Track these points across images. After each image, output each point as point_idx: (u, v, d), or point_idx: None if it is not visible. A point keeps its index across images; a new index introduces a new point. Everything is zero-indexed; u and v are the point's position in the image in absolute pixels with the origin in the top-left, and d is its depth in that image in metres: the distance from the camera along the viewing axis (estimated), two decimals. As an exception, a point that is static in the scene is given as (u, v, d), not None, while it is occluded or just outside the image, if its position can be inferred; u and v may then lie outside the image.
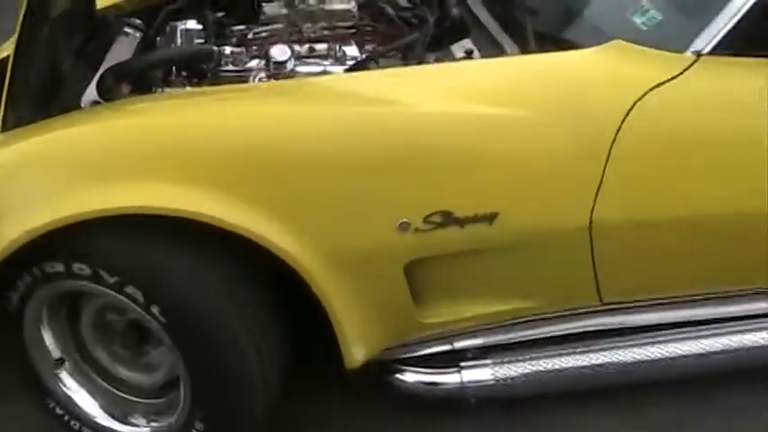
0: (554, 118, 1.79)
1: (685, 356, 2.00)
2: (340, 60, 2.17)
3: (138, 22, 2.34)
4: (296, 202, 1.71)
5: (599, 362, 2.00)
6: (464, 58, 2.03)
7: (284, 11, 2.32)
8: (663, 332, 2.02)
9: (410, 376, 1.99)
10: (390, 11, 2.34)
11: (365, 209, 1.74)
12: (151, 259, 1.71)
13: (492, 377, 1.97)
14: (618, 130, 1.78)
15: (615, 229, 1.83)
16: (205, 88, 2.08)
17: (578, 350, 2.01)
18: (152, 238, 1.70)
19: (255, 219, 1.66)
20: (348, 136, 1.75)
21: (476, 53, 2.06)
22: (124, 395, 2.04)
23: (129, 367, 2.03)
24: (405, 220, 1.73)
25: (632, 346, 2.01)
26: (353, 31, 2.29)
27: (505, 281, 1.92)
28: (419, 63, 2.04)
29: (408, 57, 2.08)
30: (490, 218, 1.77)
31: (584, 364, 2.00)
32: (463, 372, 1.97)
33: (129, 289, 1.72)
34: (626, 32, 1.88)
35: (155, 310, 1.73)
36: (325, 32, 2.29)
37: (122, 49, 2.25)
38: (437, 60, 2.06)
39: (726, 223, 1.88)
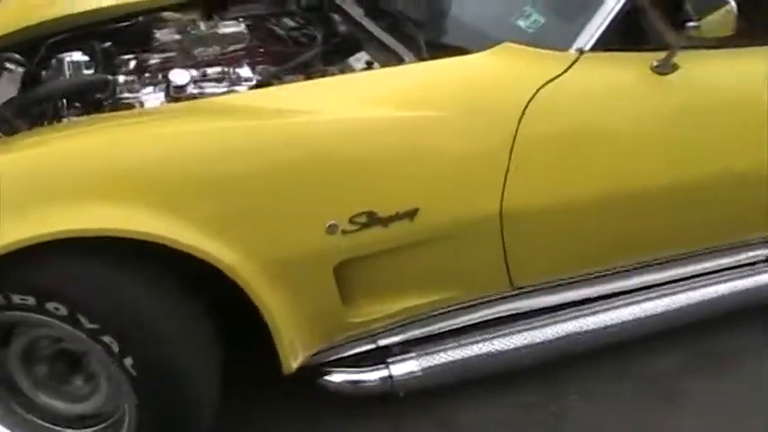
0: (460, 117, 1.92)
1: (594, 329, 2.18)
2: (236, 82, 2.21)
3: (17, 57, 2.33)
4: (228, 215, 1.75)
5: (517, 344, 2.13)
6: (365, 69, 2.13)
7: (177, 36, 2.36)
8: (573, 309, 2.19)
9: (339, 376, 2.05)
10: (280, 31, 2.43)
11: (294, 215, 1.80)
12: (92, 283, 1.71)
13: (419, 368, 2.06)
14: (518, 124, 1.93)
15: (523, 215, 1.97)
16: (120, 113, 2.07)
17: (497, 335, 2.13)
18: (95, 261, 1.70)
19: (192, 235, 1.69)
20: (271, 147, 1.81)
21: (375, 64, 2.16)
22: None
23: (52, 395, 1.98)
24: (332, 222, 1.80)
25: (545, 325, 2.16)
26: (246, 52, 2.35)
27: (426, 274, 2.02)
28: (323, 76, 2.13)
29: (310, 72, 2.16)
30: (411, 214, 1.87)
31: (503, 347, 2.13)
32: (391, 366, 2.05)
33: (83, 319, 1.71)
34: (513, 36, 2.05)
35: (106, 338, 1.72)
36: (216, 56, 2.33)
37: (5, 85, 2.23)
38: (340, 72, 2.15)
39: (619, 201, 2.06)
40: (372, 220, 1.84)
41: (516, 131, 1.93)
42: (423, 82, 2.00)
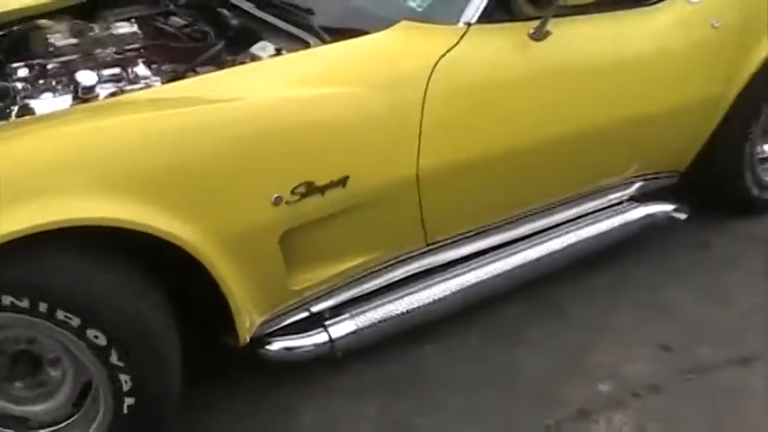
0: (373, 90, 2.10)
1: (502, 273, 2.44)
2: (146, 78, 2.27)
3: None
4: (185, 196, 1.85)
5: (436, 295, 2.35)
6: (275, 56, 2.27)
7: (73, 40, 2.39)
8: (479, 258, 2.44)
9: (280, 344, 2.18)
10: (172, 29, 2.51)
11: (243, 191, 1.93)
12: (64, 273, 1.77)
13: (355, 327, 2.23)
14: (424, 93, 2.14)
15: (436, 175, 2.19)
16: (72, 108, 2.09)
17: (417, 289, 2.34)
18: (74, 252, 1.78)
19: (158, 217, 1.79)
20: (210, 130, 1.92)
21: (283, 51, 2.29)
22: None
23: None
24: (277, 195, 1.95)
25: (457, 275, 2.39)
26: (146, 51, 2.42)
27: (355, 239, 2.19)
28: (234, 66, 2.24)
29: (222, 63, 2.27)
30: (343, 182, 2.04)
31: (424, 300, 2.33)
32: (330, 329, 2.21)
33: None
34: (407, 15, 2.25)
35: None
36: (117, 56, 2.39)
37: None
38: (252, 61, 2.27)
39: (513, 155, 2.32)
40: (310, 189, 1.99)
41: (424, 99, 2.14)
42: (334, 61, 2.17)
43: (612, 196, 2.72)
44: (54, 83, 2.27)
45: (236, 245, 1.93)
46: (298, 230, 2.05)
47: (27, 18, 2.62)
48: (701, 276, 2.82)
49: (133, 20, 2.51)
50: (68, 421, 1.96)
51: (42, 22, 2.62)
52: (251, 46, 2.34)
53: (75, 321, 1.77)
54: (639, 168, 2.73)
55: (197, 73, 2.22)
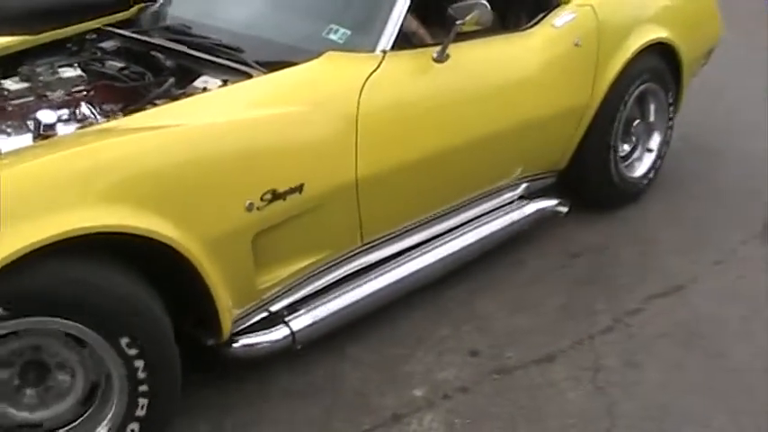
0: (315, 108, 2.46)
1: (427, 266, 2.86)
2: (106, 114, 2.54)
3: None
4: (177, 205, 2.13)
5: (374, 288, 2.72)
6: (223, 86, 2.56)
7: (26, 84, 2.59)
8: (405, 255, 2.83)
9: (246, 340, 2.45)
10: (111, 71, 2.75)
11: (223, 198, 2.23)
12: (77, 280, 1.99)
13: (313, 320, 2.54)
14: (357, 110, 2.51)
15: (371, 180, 2.56)
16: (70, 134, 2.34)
17: (357, 284, 2.69)
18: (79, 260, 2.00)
19: (157, 224, 2.06)
20: (196, 148, 2.21)
21: (229, 82, 2.58)
22: None
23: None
24: (249, 201, 2.26)
25: (389, 270, 2.78)
26: (96, 91, 2.66)
27: (308, 240, 2.51)
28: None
29: (175, 96, 2.54)
30: (299, 188, 2.37)
31: (365, 293, 2.69)
32: (290, 323, 2.51)
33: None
34: (331, 47, 2.63)
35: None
36: (68, 97, 2.62)
37: None
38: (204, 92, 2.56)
39: (432, 158, 2.74)
40: (275, 196, 2.31)
41: (357, 116, 2.51)
42: (279, 86, 2.51)
43: (506, 196, 3.18)
44: (15, 123, 2.48)
45: (219, 247, 2.20)
46: (264, 234, 2.35)
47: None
48: (514, 290, 3.13)
49: (76, 64, 2.74)
50: (81, 419, 2.15)
51: None
52: (192, 82, 2.63)
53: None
54: (526, 170, 3.21)
55: (155, 105, 2.49)
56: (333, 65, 2.57)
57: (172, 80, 2.58)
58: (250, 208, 2.26)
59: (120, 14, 3.10)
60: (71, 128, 2.46)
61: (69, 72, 2.68)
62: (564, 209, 3.32)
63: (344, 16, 2.76)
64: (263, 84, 2.51)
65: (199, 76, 2.65)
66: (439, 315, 2.95)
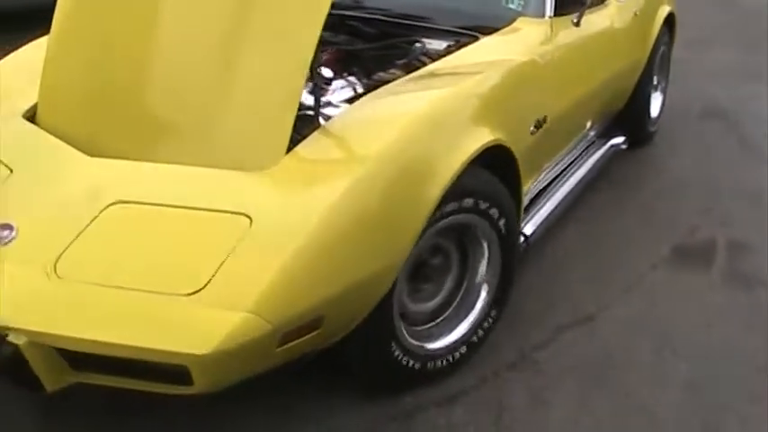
0: (539, 59, 2.92)
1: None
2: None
3: None
4: (508, 122, 2.63)
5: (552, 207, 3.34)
6: (451, 47, 3.03)
7: None
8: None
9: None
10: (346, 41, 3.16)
11: (525, 118, 2.80)
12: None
13: (534, 226, 3.12)
14: (553, 59, 3.05)
15: (559, 111, 3.20)
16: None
17: (556, 190, 3.30)
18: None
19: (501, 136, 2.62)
20: (514, 78, 2.66)
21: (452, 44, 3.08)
22: None
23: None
24: (532, 126, 2.83)
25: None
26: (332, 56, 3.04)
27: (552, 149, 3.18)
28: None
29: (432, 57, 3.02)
30: (545, 119, 2.93)
31: (561, 197, 3.29)
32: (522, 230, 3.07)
33: (492, 210, 2.52)
34: (516, 14, 3.21)
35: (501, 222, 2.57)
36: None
37: None
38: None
39: (582, 100, 3.52)
40: (538, 123, 2.86)
41: (553, 63, 3.04)
42: (509, 44, 2.97)
43: (590, 136, 3.91)
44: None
45: (522, 150, 2.69)
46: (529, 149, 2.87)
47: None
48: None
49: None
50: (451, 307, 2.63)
51: None
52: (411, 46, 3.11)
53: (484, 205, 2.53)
54: (613, 112, 4.06)
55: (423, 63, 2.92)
56: (530, 27, 3.13)
57: (422, 45, 3.03)
58: (533, 132, 2.85)
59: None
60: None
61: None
62: (625, 146, 4.14)
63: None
64: (498, 41, 3.00)
65: (416, 41, 3.09)
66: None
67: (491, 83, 2.65)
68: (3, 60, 2.98)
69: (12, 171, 2.33)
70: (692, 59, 5.84)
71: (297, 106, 2.24)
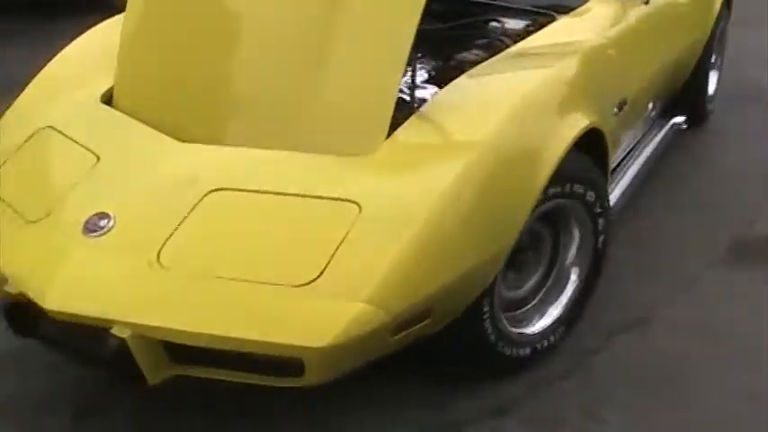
0: (616, 38, 2.86)
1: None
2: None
3: None
4: (599, 104, 2.57)
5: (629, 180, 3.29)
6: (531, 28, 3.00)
7: None
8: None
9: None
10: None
11: (609, 99, 2.72)
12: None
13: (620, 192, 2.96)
14: (631, 37, 3.02)
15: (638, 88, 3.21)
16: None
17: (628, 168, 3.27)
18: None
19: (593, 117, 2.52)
20: (592, 54, 2.61)
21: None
22: None
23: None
24: (615, 107, 2.76)
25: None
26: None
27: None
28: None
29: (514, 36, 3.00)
30: (625, 102, 2.89)
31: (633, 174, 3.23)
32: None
33: (589, 194, 2.44)
34: None
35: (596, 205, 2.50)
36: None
37: None
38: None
39: (657, 71, 3.53)
40: (621, 104, 2.81)
41: (631, 39, 3.00)
42: (586, 22, 2.87)
43: (653, 115, 3.79)
44: None
45: (609, 129, 2.62)
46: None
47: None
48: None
49: None
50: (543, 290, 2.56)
51: None
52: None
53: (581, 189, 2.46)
54: (676, 88, 3.98)
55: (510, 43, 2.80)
56: (604, 6, 3.02)
57: (498, 23, 2.99)
58: (616, 114, 2.78)
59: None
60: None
61: None
62: (686, 125, 4.03)
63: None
64: (576, 21, 2.91)
65: (490, 21, 3.03)
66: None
67: (582, 65, 2.57)
68: (74, 42, 2.89)
69: (99, 158, 2.26)
70: (737, 41, 5.46)
71: (396, 91, 2.18)
